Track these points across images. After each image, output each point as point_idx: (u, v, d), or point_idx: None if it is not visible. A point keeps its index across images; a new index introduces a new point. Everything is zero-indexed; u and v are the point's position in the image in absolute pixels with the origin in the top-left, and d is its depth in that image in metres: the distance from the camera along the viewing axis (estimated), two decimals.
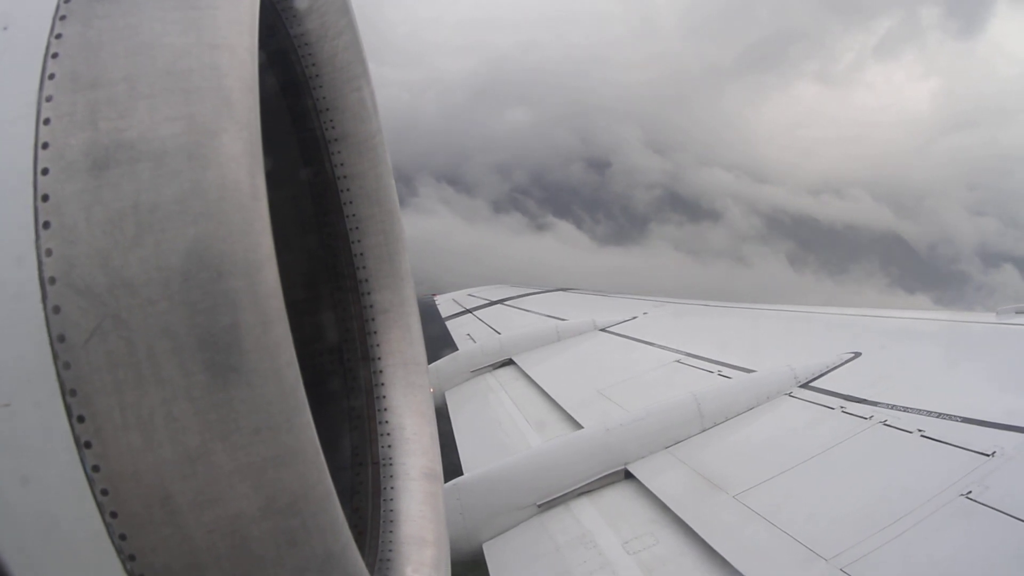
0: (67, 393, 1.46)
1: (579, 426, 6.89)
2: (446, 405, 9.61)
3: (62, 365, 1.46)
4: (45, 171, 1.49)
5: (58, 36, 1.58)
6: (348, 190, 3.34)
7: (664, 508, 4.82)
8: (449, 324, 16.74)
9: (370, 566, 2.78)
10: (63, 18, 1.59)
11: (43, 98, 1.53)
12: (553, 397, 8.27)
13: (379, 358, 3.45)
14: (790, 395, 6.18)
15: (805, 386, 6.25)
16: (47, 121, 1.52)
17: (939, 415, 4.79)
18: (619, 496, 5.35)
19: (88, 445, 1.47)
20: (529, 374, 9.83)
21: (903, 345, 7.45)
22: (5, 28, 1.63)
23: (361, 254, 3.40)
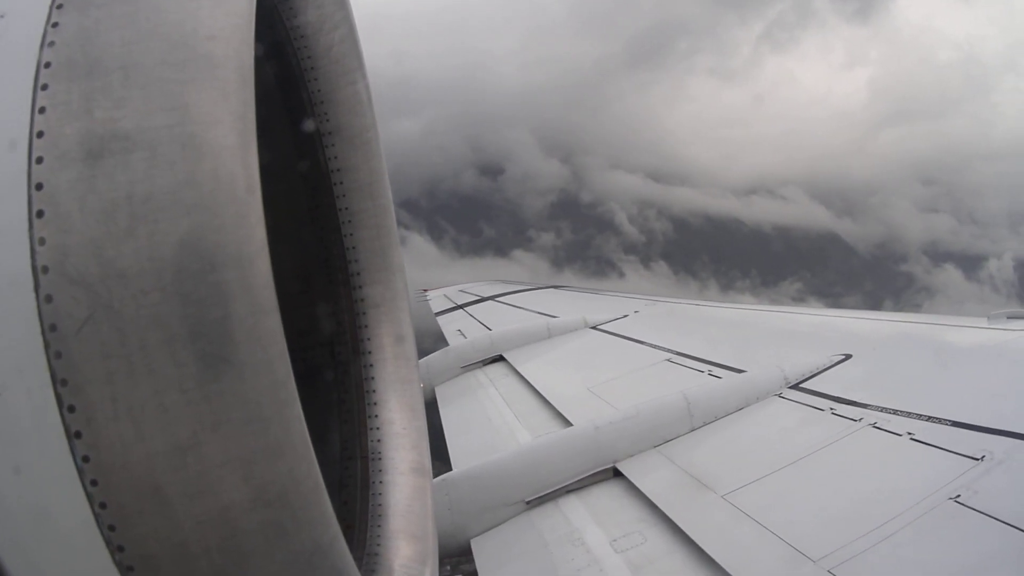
0: (58, 382, 1.46)
1: (569, 424, 6.89)
2: (436, 400, 9.58)
3: (53, 354, 1.45)
4: (40, 159, 1.49)
5: (55, 25, 1.57)
6: (341, 183, 3.33)
7: (652, 507, 4.82)
8: (440, 320, 16.69)
9: (358, 560, 2.78)
10: (60, 7, 1.58)
11: (39, 86, 1.52)
12: (543, 394, 8.24)
13: (370, 352, 3.45)
14: (780, 396, 6.19)
15: (795, 387, 6.26)
16: (42, 110, 1.51)
17: (929, 418, 4.81)
18: (608, 494, 5.35)
19: (78, 435, 1.47)
20: (519, 371, 9.80)
21: (894, 348, 7.49)
22: (2, 16, 1.63)
23: (353, 247, 3.40)
